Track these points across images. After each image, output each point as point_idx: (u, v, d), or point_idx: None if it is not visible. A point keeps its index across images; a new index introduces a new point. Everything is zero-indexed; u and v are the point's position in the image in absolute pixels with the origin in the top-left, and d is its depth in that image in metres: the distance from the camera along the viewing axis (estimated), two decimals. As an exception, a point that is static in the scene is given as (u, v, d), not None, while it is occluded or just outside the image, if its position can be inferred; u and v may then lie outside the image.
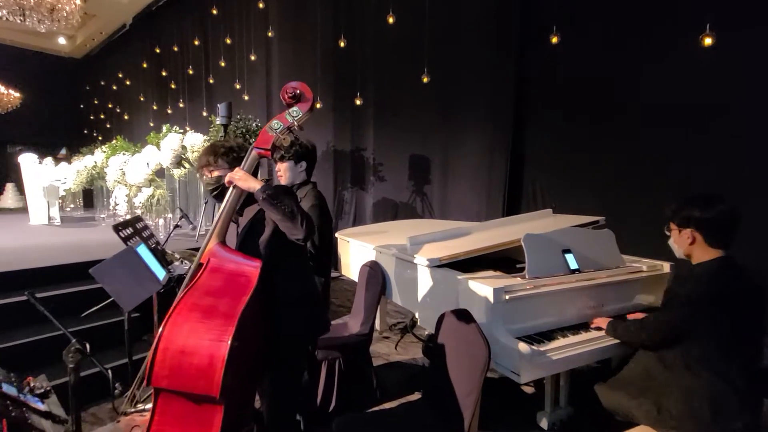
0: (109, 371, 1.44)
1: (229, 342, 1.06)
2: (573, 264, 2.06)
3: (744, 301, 1.50)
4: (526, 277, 1.93)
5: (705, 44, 2.51)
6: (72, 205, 7.92)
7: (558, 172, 3.57)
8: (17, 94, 8.84)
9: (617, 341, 1.82)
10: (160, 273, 1.75)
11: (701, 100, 2.72)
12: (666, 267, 2.25)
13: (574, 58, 3.33)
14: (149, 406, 1.13)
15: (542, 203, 3.65)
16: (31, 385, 1.38)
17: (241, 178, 1.40)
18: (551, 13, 3.24)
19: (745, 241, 2.15)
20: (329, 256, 2.24)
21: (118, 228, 1.86)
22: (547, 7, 3.36)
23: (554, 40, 3.16)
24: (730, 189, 2.56)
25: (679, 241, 1.59)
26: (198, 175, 1.61)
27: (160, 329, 1.08)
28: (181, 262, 2.08)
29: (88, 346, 1.38)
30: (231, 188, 1.42)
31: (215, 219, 1.44)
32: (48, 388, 1.39)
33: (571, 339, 1.81)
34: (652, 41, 2.93)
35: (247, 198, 1.56)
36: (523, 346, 1.63)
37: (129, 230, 1.92)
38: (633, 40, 3.02)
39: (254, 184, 1.39)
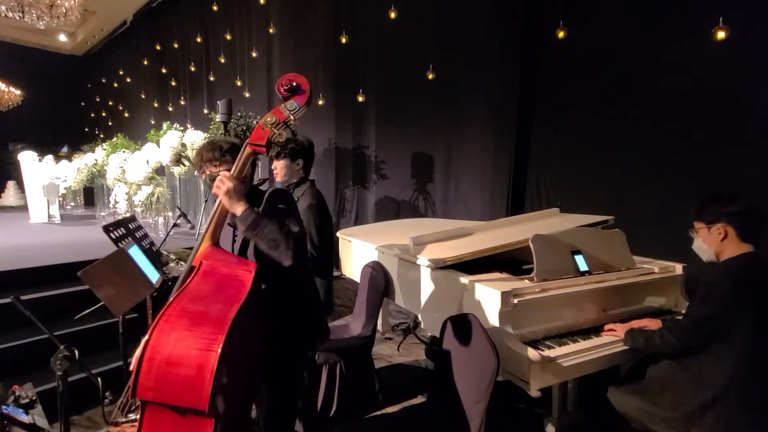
0: (99, 379, 1.38)
1: (219, 351, 0.99)
2: (583, 265, 1.99)
3: None
4: (535, 279, 1.85)
5: (717, 38, 2.43)
6: (72, 203, 7.90)
7: (562, 170, 3.49)
8: (18, 92, 8.82)
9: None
10: (154, 275, 1.69)
11: (710, 97, 2.64)
12: (678, 268, 2.18)
13: (579, 54, 3.25)
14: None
15: (546, 201, 3.58)
16: (17, 394, 1.32)
17: (227, 193, 1.29)
18: (556, 9, 3.15)
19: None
20: (330, 257, 2.17)
21: (108, 228, 1.79)
22: (552, 3, 3.27)
23: (561, 34, 3.08)
24: (738, 187, 2.49)
25: (710, 239, 1.56)
26: (197, 172, 1.53)
27: (146, 337, 1.01)
28: (177, 263, 2.01)
29: (77, 352, 1.32)
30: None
31: (208, 219, 1.37)
32: (33, 398, 1.34)
33: (583, 344, 1.73)
34: (659, 38, 2.85)
35: (245, 197, 1.48)
36: (532, 353, 1.56)
37: (121, 231, 1.85)
38: (640, 36, 2.94)
39: (237, 207, 1.29)
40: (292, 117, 1.36)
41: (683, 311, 2.08)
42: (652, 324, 1.84)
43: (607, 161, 3.20)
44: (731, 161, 2.57)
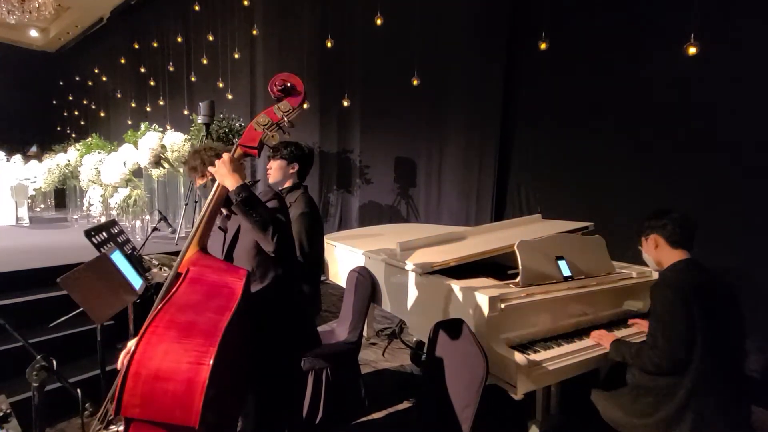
0: (79, 390, 1.32)
1: (211, 364, 0.96)
2: (566, 271, 2.04)
3: (715, 296, 1.55)
4: (520, 284, 1.89)
5: (690, 53, 2.55)
6: (42, 205, 7.55)
7: (544, 177, 3.58)
8: (-16, 88, 8.41)
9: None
10: (137, 282, 1.64)
11: (687, 107, 2.77)
12: (655, 273, 2.25)
13: (561, 63, 3.35)
14: (122, 427, 1.03)
15: (527, 207, 3.66)
16: (-10, 407, 1.26)
17: (218, 170, 1.27)
18: (540, 20, 3.25)
19: (731, 248, 2.19)
20: (319, 264, 2.15)
21: (90, 233, 1.73)
22: (536, 14, 3.37)
23: (543, 46, 3.17)
24: (713, 194, 2.61)
25: (647, 249, 1.74)
26: (192, 176, 1.48)
27: (131, 350, 0.97)
28: (160, 268, 1.96)
29: (54, 362, 1.27)
30: (214, 188, 1.31)
31: (195, 223, 1.33)
32: (8, 411, 1.27)
33: (567, 348, 1.78)
34: (638, 48, 2.96)
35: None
36: (519, 357, 1.59)
37: (103, 235, 1.79)
38: (620, 46, 3.06)
39: (230, 181, 1.27)
40: (285, 118, 1.33)
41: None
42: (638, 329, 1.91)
43: (587, 169, 3.30)
44: (707, 169, 2.68)
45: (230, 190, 1.27)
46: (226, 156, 1.30)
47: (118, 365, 1.09)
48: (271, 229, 1.28)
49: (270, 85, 1.33)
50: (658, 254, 1.70)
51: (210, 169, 1.32)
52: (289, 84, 1.32)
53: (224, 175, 1.28)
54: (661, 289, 1.59)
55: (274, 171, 2.06)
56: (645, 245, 1.75)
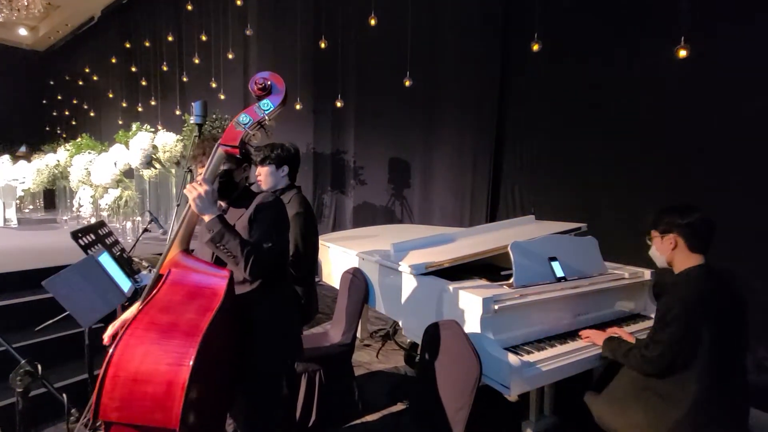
0: (64, 396, 1.29)
1: (191, 365, 0.94)
2: (559, 272, 2.04)
3: (727, 308, 1.51)
4: (514, 285, 1.88)
5: (680, 56, 2.57)
6: (31, 206, 7.45)
7: (537, 178, 3.59)
8: (-29, 87, 8.28)
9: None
10: (125, 284, 1.61)
11: (679, 110, 2.78)
12: (647, 274, 2.26)
13: (555, 65, 3.36)
14: (107, 433, 1.01)
15: (521, 209, 3.67)
16: (-29, 413, 1.22)
17: (197, 198, 1.25)
18: (534, 21, 3.26)
19: (719, 247, 2.18)
20: (314, 265, 2.14)
21: (77, 235, 1.69)
22: (531, 16, 3.38)
23: (535, 47, 3.18)
24: (706, 195, 2.63)
25: (662, 247, 1.62)
26: (193, 165, 1.46)
27: (109, 353, 0.95)
28: (149, 270, 1.93)
29: (39, 367, 1.24)
30: (186, 208, 1.30)
31: (178, 223, 1.31)
32: (-10, 418, 1.24)
33: (560, 349, 1.78)
34: (633, 48, 2.98)
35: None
36: (512, 358, 1.58)
37: (90, 237, 1.75)
38: (613, 48, 3.07)
39: (206, 214, 1.26)
40: (266, 117, 1.31)
41: (651, 315, 2.17)
42: (623, 334, 1.89)
43: (581, 170, 3.31)
44: (702, 169, 2.69)
45: (205, 223, 1.27)
46: (199, 189, 1.26)
47: (105, 341, 1.15)
48: (242, 264, 1.26)
49: (250, 84, 1.31)
50: (673, 255, 1.59)
51: (185, 191, 1.29)
52: (269, 82, 1.30)
53: (200, 206, 1.27)
54: (671, 297, 1.53)
55: (265, 177, 2.05)
56: (659, 243, 1.62)
